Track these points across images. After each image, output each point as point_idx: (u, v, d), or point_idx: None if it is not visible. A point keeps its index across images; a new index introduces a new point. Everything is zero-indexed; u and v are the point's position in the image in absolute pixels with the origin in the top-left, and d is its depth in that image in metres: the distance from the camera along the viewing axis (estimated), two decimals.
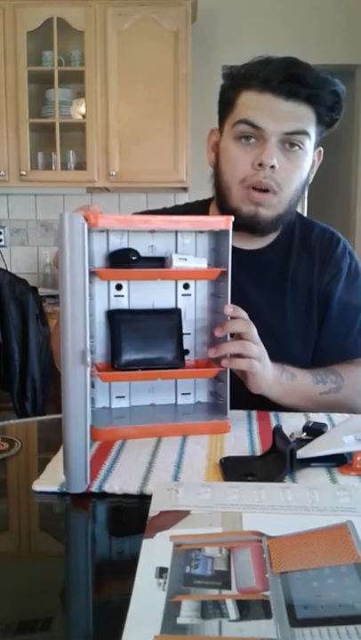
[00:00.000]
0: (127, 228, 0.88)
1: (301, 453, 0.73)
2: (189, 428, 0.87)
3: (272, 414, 0.96)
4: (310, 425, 0.85)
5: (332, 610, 0.45)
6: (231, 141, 1.03)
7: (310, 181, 1.11)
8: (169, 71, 2.97)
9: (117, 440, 0.83)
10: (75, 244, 0.67)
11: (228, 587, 0.48)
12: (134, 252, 0.88)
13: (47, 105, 3.09)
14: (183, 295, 0.93)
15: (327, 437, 0.80)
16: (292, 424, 0.88)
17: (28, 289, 2.41)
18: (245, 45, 3.11)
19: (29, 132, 3.03)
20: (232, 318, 0.88)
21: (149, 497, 0.64)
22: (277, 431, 0.76)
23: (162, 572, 0.49)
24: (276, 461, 0.73)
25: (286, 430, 0.77)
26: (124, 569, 0.52)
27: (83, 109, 3.08)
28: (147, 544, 0.54)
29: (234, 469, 0.73)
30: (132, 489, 0.68)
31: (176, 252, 0.91)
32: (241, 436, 0.86)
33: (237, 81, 1.02)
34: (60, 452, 0.71)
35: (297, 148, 1.01)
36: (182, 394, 0.95)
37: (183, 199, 2.50)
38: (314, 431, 0.83)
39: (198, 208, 1.20)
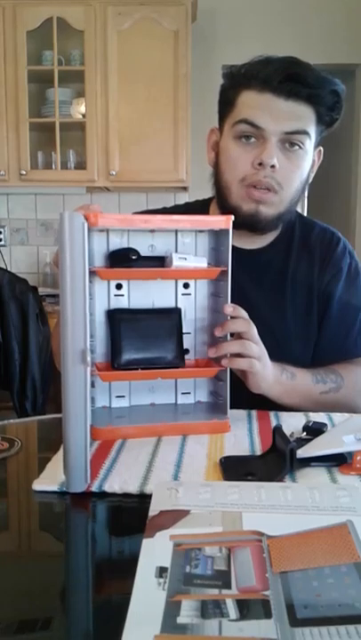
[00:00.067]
0: (127, 228, 0.88)
1: (301, 453, 0.73)
2: (189, 427, 0.87)
3: (272, 414, 0.96)
4: (310, 424, 0.85)
5: (332, 609, 0.45)
6: (231, 141, 1.03)
7: (310, 181, 1.11)
8: (169, 71, 2.97)
9: (117, 439, 0.83)
10: (75, 243, 0.67)
11: (228, 586, 0.48)
12: (134, 251, 0.88)
13: (47, 104, 3.09)
14: (183, 295, 0.93)
15: (327, 437, 0.80)
16: (292, 423, 0.88)
17: (27, 288, 2.41)
18: (245, 45, 3.11)
19: (29, 132, 3.03)
20: (232, 318, 0.88)
21: (149, 496, 0.64)
22: (277, 431, 0.76)
23: (162, 571, 0.49)
24: (276, 461, 0.73)
25: (286, 430, 0.78)
26: (124, 568, 0.52)
27: (83, 109, 3.08)
28: (147, 543, 0.54)
29: (234, 469, 0.73)
30: (132, 488, 0.68)
31: (176, 251, 0.91)
32: (241, 435, 0.86)
33: (237, 80, 1.02)
34: (60, 452, 0.71)
35: (297, 147, 1.01)
36: (182, 393, 0.95)
37: (183, 199, 2.50)
38: (314, 431, 0.83)
39: (198, 207, 1.20)
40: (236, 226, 0.86)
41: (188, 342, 0.93)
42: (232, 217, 0.85)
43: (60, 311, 0.67)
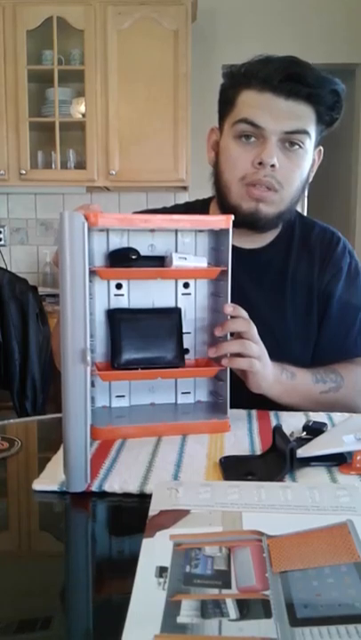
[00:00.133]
0: (127, 228, 0.88)
1: (301, 453, 0.73)
2: (189, 427, 0.87)
3: (272, 413, 0.96)
4: (310, 424, 0.85)
5: (332, 609, 0.45)
6: (231, 140, 1.03)
7: (310, 180, 1.11)
8: (169, 70, 2.97)
9: (117, 439, 0.83)
10: (75, 243, 0.67)
11: (228, 586, 0.48)
12: (134, 251, 0.88)
13: (47, 104, 3.09)
14: (183, 294, 0.93)
15: (327, 437, 0.80)
16: (292, 423, 0.88)
17: (27, 288, 2.41)
18: (245, 45, 3.10)
19: (29, 131, 3.02)
20: (232, 317, 0.88)
21: (149, 496, 0.64)
22: (277, 430, 0.76)
23: (162, 571, 0.50)
24: (276, 461, 0.73)
25: (286, 429, 0.78)
26: (124, 568, 0.52)
27: (82, 108, 3.08)
28: (147, 543, 0.54)
29: (234, 469, 0.73)
30: (132, 488, 0.68)
31: (176, 251, 0.91)
32: (241, 435, 0.86)
33: (237, 80, 1.02)
34: (60, 452, 0.71)
35: (297, 147, 1.01)
36: (182, 393, 0.95)
37: (183, 198, 2.49)
38: (314, 430, 0.83)
39: (198, 207, 1.20)
40: (236, 225, 0.86)
41: (188, 342, 0.93)
42: (232, 217, 0.85)
43: (60, 311, 0.67)
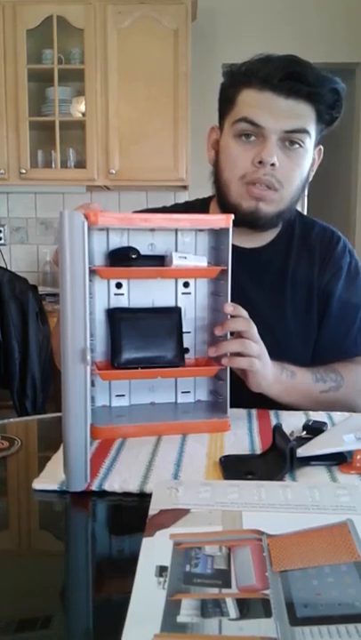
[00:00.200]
0: (127, 227, 0.88)
1: (301, 452, 0.73)
2: (189, 426, 0.87)
3: (272, 413, 0.96)
4: (310, 423, 0.85)
5: (332, 608, 0.45)
6: (231, 139, 1.03)
7: (310, 179, 1.11)
8: (169, 69, 2.97)
9: (117, 438, 0.83)
10: (75, 242, 0.67)
11: (228, 585, 0.48)
12: (134, 250, 0.88)
13: (47, 103, 3.09)
14: (183, 294, 0.93)
15: (327, 436, 0.80)
16: (293, 422, 0.88)
17: (27, 287, 2.40)
18: (245, 44, 3.10)
19: (29, 131, 3.02)
20: (232, 317, 0.88)
21: (149, 495, 0.64)
22: (277, 430, 0.76)
23: (162, 570, 0.49)
24: (276, 460, 0.73)
25: (286, 429, 0.77)
26: (124, 567, 0.52)
27: (82, 107, 3.08)
28: (147, 542, 0.54)
29: (234, 468, 0.73)
30: (132, 487, 0.68)
31: (176, 250, 0.91)
32: (241, 434, 0.86)
33: (238, 79, 1.02)
34: (60, 451, 0.71)
35: (297, 146, 1.01)
36: (182, 392, 0.95)
37: (183, 197, 2.49)
38: (314, 430, 0.83)
39: (198, 206, 1.20)
40: (236, 224, 0.86)
41: (187, 341, 0.93)
42: (232, 216, 0.85)
43: (59, 310, 0.67)
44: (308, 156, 1.04)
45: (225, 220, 0.85)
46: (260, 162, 0.99)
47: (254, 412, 0.96)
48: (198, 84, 3.08)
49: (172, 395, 0.95)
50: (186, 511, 0.60)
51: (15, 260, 3.46)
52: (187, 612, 0.44)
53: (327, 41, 3.27)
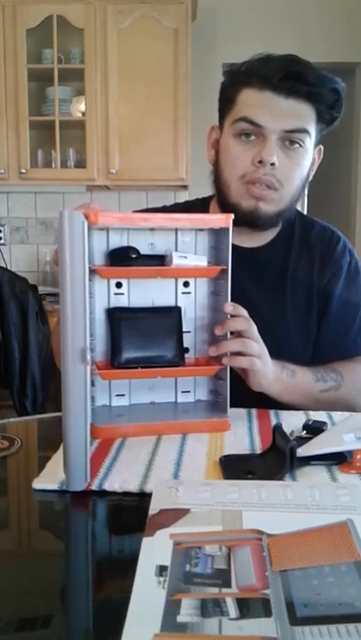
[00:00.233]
0: (127, 226, 0.88)
1: (301, 452, 0.73)
2: (189, 426, 0.87)
3: (272, 412, 0.96)
4: (310, 423, 0.85)
5: (332, 608, 0.45)
6: (231, 138, 1.03)
7: (310, 179, 1.11)
8: (169, 69, 2.97)
9: (117, 438, 0.83)
10: (74, 242, 0.67)
11: (228, 585, 0.48)
12: (134, 249, 0.88)
13: (47, 103, 3.09)
14: (183, 293, 0.93)
15: (327, 435, 0.80)
16: (293, 422, 0.88)
17: (27, 287, 2.40)
18: (245, 43, 3.10)
19: (29, 130, 3.02)
20: (232, 316, 0.88)
21: (149, 495, 0.64)
22: (277, 429, 0.76)
23: (162, 570, 0.49)
24: (276, 460, 0.73)
25: (286, 428, 0.77)
26: (124, 567, 0.52)
27: (82, 107, 3.07)
28: (147, 542, 0.54)
29: (234, 467, 0.73)
30: (132, 487, 0.68)
31: (176, 249, 0.91)
32: (241, 434, 0.86)
33: (238, 78, 1.02)
34: (60, 450, 0.71)
35: (297, 145, 1.01)
36: (182, 392, 0.95)
37: (183, 197, 2.49)
38: (314, 429, 0.83)
39: (198, 206, 1.20)
40: (235, 223, 0.86)
41: (187, 341, 0.93)
42: (232, 215, 0.85)
43: (59, 310, 0.67)
44: (309, 155, 1.04)
45: (225, 220, 0.85)
46: (260, 161, 0.99)
47: (254, 411, 0.96)
48: (198, 84, 3.07)
49: (172, 394, 0.95)
50: (186, 511, 0.60)
51: (15, 259, 3.46)
52: (187, 612, 0.44)
53: (327, 40, 3.27)
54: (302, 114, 0.99)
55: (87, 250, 0.67)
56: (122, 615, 0.44)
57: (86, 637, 0.46)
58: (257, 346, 0.89)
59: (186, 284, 0.93)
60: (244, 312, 0.89)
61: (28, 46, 2.97)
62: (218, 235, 0.90)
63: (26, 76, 2.97)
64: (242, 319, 0.88)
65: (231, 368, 0.89)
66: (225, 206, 1.06)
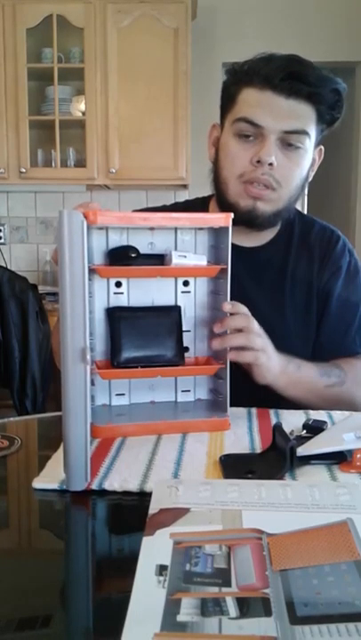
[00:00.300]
0: (127, 226, 0.88)
1: (301, 451, 0.73)
2: (189, 425, 0.87)
3: (272, 412, 0.96)
4: (310, 422, 0.85)
5: (332, 607, 0.45)
6: (231, 137, 1.03)
7: (310, 179, 1.11)
8: (169, 68, 2.97)
9: (117, 437, 0.83)
10: (74, 241, 0.66)
11: (228, 584, 0.48)
12: (134, 249, 0.88)
13: (47, 102, 3.08)
14: (183, 292, 0.93)
15: (327, 435, 0.80)
16: (293, 422, 0.88)
17: (27, 286, 2.40)
18: (245, 43, 3.10)
19: (29, 130, 3.02)
20: (231, 314, 0.88)
21: (149, 494, 0.64)
22: (277, 429, 0.76)
23: (162, 569, 0.49)
24: (276, 459, 0.73)
25: (286, 428, 0.77)
26: (124, 566, 0.52)
27: (82, 107, 3.07)
28: (147, 541, 0.54)
29: (234, 467, 0.73)
30: (132, 486, 0.68)
31: (176, 249, 0.90)
32: (241, 433, 0.86)
33: (239, 77, 1.02)
34: (61, 450, 0.71)
35: (296, 146, 1.01)
36: (182, 391, 0.95)
37: (183, 196, 2.49)
38: (314, 429, 0.83)
39: (198, 205, 1.20)
40: (233, 222, 0.86)
41: (187, 340, 0.93)
42: (232, 215, 0.85)
43: (59, 309, 0.67)
44: (308, 156, 1.04)
45: (225, 219, 0.85)
46: (259, 161, 0.99)
47: (254, 410, 0.96)
48: (198, 83, 3.07)
49: (172, 393, 0.95)
50: (186, 510, 0.60)
51: (15, 259, 3.46)
52: (187, 611, 0.44)
53: (327, 40, 3.27)
54: (302, 114, 0.99)
55: (86, 249, 0.67)
56: (122, 614, 0.44)
57: (86, 637, 0.46)
58: (260, 340, 0.89)
59: (185, 284, 0.93)
60: (244, 309, 0.89)
61: (28, 45, 2.97)
62: (217, 234, 0.90)
63: (26, 76, 2.97)
64: (241, 316, 0.88)
65: (231, 368, 0.89)
66: (223, 205, 1.06)
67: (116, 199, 3.39)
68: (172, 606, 0.45)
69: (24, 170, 3.03)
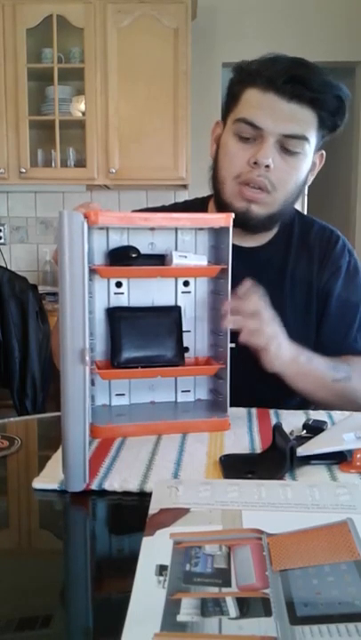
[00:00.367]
0: (127, 226, 0.88)
1: (301, 451, 0.73)
2: (189, 425, 0.87)
3: (272, 412, 0.96)
4: (310, 422, 0.85)
5: (332, 607, 0.45)
6: (231, 137, 1.03)
7: (309, 183, 1.11)
8: (169, 68, 2.97)
9: (117, 438, 0.83)
10: (74, 242, 0.66)
11: (228, 584, 0.48)
12: (134, 249, 0.88)
13: (47, 102, 3.08)
14: (183, 292, 0.93)
15: (327, 435, 0.80)
16: (292, 422, 0.88)
17: (27, 286, 2.40)
18: (246, 43, 3.11)
19: (29, 130, 3.02)
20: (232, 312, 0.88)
21: (149, 494, 0.64)
22: (277, 429, 0.76)
23: (162, 569, 0.49)
24: (276, 459, 0.73)
25: (286, 428, 0.77)
26: (124, 566, 0.52)
27: (82, 107, 3.07)
28: (147, 542, 0.54)
29: (234, 467, 0.73)
30: (132, 486, 0.68)
31: (176, 249, 0.91)
32: (241, 433, 0.86)
33: (244, 76, 1.02)
34: (60, 450, 0.71)
35: (295, 152, 1.00)
36: (182, 391, 0.95)
37: (183, 196, 2.49)
38: (314, 429, 0.83)
39: (197, 205, 1.20)
40: None
41: (187, 340, 0.93)
42: (232, 215, 0.85)
43: (59, 310, 0.67)
44: (307, 160, 1.04)
45: (225, 219, 0.85)
46: (256, 162, 0.99)
47: (254, 411, 0.96)
48: (198, 83, 3.07)
49: (172, 394, 0.95)
50: (186, 510, 0.60)
51: (15, 259, 3.46)
52: (187, 611, 0.44)
53: (327, 40, 3.26)
54: (303, 119, 0.99)
55: (86, 250, 0.67)
56: (122, 614, 0.44)
57: (86, 637, 0.46)
58: (272, 326, 0.91)
59: (186, 284, 0.93)
60: (259, 295, 0.91)
61: (28, 46, 2.97)
62: (218, 234, 0.90)
63: (26, 76, 2.97)
64: (255, 301, 0.90)
65: (231, 367, 0.89)
66: (219, 204, 1.07)
67: (116, 199, 3.39)
68: (172, 606, 0.45)
69: (24, 170, 3.03)
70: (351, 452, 0.74)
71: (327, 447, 0.74)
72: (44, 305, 2.51)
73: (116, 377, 0.91)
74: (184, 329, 0.92)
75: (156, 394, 0.94)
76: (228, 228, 0.85)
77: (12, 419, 0.97)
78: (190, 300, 0.93)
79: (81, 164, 3.10)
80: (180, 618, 0.44)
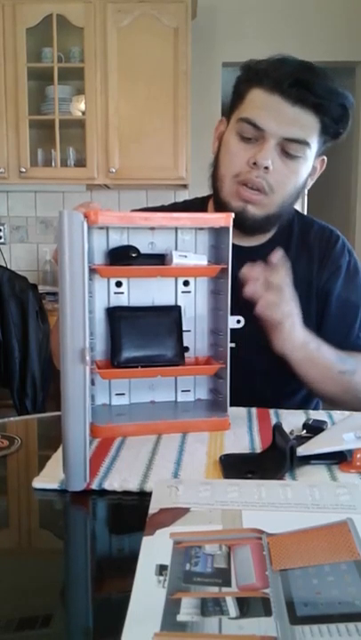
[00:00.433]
0: (127, 225, 0.88)
1: (301, 451, 0.73)
2: (189, 425, 0.87)
3: (272, 412, 0.96)
4: (310, 422, 0.85)
5: (332, 607, 0.45)
6: (233, 136, 1.03)
7: (309, 187, 1.11)
8: (169, 68, 2.97)
9: (117, 437, 0.83)
10: (74, 241, 0.66)
11: (228, 584, 0.48)
12: (134, 249, 0.88)
13: (47, 102, 3.08)
14: (183, 292, 0.93)
15: (327, 435, 0.80)
16: (292, 421, 0.88)
17: (27, 286, 2.40)
18: (245, 43, 3.11)
19: (29, 129, 3.02)
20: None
21: (149, 494, 0.64)
22: (277, 428, 0.76)
23: (162, 569, 0.49)
24: (276, 459, 0.73)
25: (286, 428, 0.77)
26: (124, 566, 0.52)
27: (82, 106, 3.07)
28: (147, 541, 0.54)
29: (234, 467, 0.73)
30: (132, 486, 0.68)
31: (176, 249, 0.91)
32: (241, 433, 0.86)
33: (251, 76, 1.02)
34: (61, 450, 0.71)
35: (295, 156, 1.00)
36: (182, 391, 0.95)
37: (183, 196, 2.49)
38: (314, 429, 0.83)
39: (197, 205, 1.20)
40: None
41: (187, 340, 0.93)
42: (232, 214, 0.85)
43: (59, 310, 0.67)
44: (308, 164, 1.04)
45: (225, 219, 0.85)
46: (255, 163, 0.99)
47: (254, 410, 0.96)
48: (198, 83, 3.07)
49: (172, 393, 0.95)
50: (186, 510, 0.60)
51: (15, 258, 3.46)
52: (187, 611, 0.44)
53: (327, 40, 3.26)
54: (306, 124, 0.99)
55: (86, 249, 0.67)
56: (122, 614, 0.44)
57: (86, 636, 0.46)
58: (290, 304, 0.92)
59: (186, 283, 0.93)
60: (285, 270, 0.93)
61: (28, 45, 2.97)
62: (218, 234, 0.90)
63: (26, 75, 2.97)
64: (280, 274, 0.93)
65: (231, 368, 0.89)
66: (217, 202, 1.07)
67: (116, 199, 3.39)
68: (172, 606, 0.45)
69: (24, 169, 3.03)
70: (351, 451, 0.74)
71: (327, 447, 0.74)
72: (43, 305, 2.51)
73: (116, 376, 0.91)
74: (184, 328, 0.92)
75: (156, 393, 0.94)
76: (228, 228, 0.85)
77: (11, 418, 0.97)
78: (190, 300, 0.93)
79: (81, 163, 3.10)
80: (180, 617, 0.44)
